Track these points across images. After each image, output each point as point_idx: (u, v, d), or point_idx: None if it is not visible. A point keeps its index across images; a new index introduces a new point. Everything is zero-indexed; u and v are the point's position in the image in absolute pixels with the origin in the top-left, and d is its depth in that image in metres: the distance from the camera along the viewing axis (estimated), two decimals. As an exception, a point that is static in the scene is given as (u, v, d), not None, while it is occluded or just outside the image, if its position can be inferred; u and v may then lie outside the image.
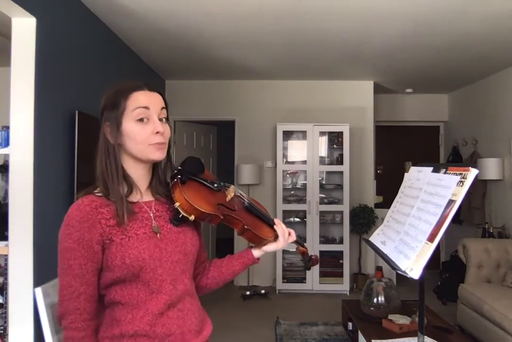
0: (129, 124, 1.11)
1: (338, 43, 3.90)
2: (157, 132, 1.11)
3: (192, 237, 1.21)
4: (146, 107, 1.12)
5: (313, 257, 1.51)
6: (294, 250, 1.53)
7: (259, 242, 1.32)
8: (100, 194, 1.12)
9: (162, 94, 1.19)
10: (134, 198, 1.16)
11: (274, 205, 5.10)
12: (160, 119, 1.14)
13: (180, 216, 1.15)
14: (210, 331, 1.26)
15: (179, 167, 1.21)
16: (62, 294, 1.09)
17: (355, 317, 3.11)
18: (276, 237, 1.34)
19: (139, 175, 1.17)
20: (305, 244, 1.52)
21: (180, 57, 4.42)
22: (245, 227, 1.26)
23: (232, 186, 1.32)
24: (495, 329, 3.22)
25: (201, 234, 1.30)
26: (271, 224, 1.35)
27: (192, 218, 1.14)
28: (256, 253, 1.34)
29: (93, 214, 1.08)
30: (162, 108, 1.15)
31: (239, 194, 1.33)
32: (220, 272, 1.33)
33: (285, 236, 1.34)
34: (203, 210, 1.14)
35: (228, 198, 1.28)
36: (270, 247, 1.34)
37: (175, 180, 1.17)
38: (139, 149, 1.12)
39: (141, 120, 1.11)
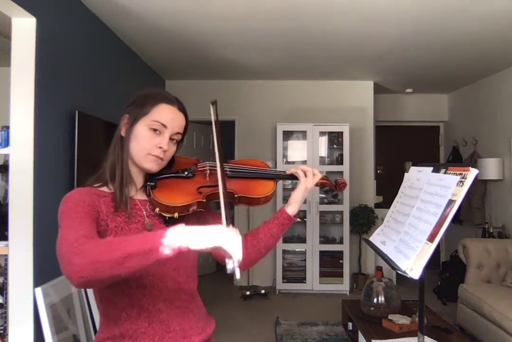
0: (141, 128, 1.15)
1: (338, 43, 3.90)
2: (160, 147, 1.15)
3: None
4: (164, 126, 1.15)
5: (338, 180, 1.38)
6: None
7: (257, 202, 1.25)
8: (97, 185, 1.16)
9: (187, 117, 1.23)
10: (130, 192, 1.18)
11: (274, 205, 5.10)
12: (171, 139, 1.18)
13: (167, 218, 1.17)
14: (213, 329, 1.26)
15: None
16: (64, 237, 0.97)
17: (355, 317, 3.11)
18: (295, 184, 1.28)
19: (135, 172, 1.20)
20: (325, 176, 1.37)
21: (180, 57, 4.42)
22: (235, 195, 1.22)
23: (207, 163, 1.27)
24: (495, 329, 3.22)
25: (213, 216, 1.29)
26: (267, 176, 1.28)
27: (176, 215, 1.14)
28: (290, 209, 1.28)
29: (92, 196, 1.11)
30: (178, 133, 1.19)
31: (217, 166, 1.25)
32: (259, 239, 1.26)
33: (308, 176, 1.28)
34: (180, 204, 1.14)
35: (207, 177, 1.24)
36: (297, 195, 1.28)
37: (147, 187, 1.19)
38: (138, 154, 1.16)
39: (154, 130, 1.15)
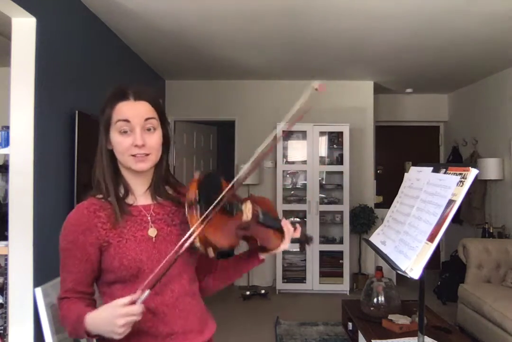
0: (113, 135, 1.14)
1: (338, 43, 3.90)
2: (135, 145, 1.12)
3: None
4: (127, 120, 1.12)
5: (309, 236, 1.33)
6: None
7: (268, 253, 1.26)
8: (101, 196, 1.16)
9: (153, 100, 1.16)
10: (130, 200, 1.18)
11: (274, 205, 5.10)
12: (148, 129, 1.14)
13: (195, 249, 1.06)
14: (212, 332, 1.26)
15: (197, 191, 1.07)
16: (61, 283, 1.16)
17: (355, 317, 3.11)
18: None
19: (131, 179, 1.19)
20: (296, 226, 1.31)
21: (180, 57, 4.41)
22: (259, 244, 1.15)
23: (249, 201, 1.18)
24: (495, 329, 3.22)
25: None
26: (280, 229, 1.23)
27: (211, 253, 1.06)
28: (263, 254, 1.29)
29: (89, 218, 1.12)
30: (147, 119, 1.13)
31: (254, 208, 1.18)
32: (227, 272, 1.32)
33: (289, 236, 1.26)
34: (223, 246, 1.07)
35: (245, 217, 1.14)
36: (274, 252, 1.28)
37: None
38: (122, 159, 1.15)
39: (124, 132, 1.12)
